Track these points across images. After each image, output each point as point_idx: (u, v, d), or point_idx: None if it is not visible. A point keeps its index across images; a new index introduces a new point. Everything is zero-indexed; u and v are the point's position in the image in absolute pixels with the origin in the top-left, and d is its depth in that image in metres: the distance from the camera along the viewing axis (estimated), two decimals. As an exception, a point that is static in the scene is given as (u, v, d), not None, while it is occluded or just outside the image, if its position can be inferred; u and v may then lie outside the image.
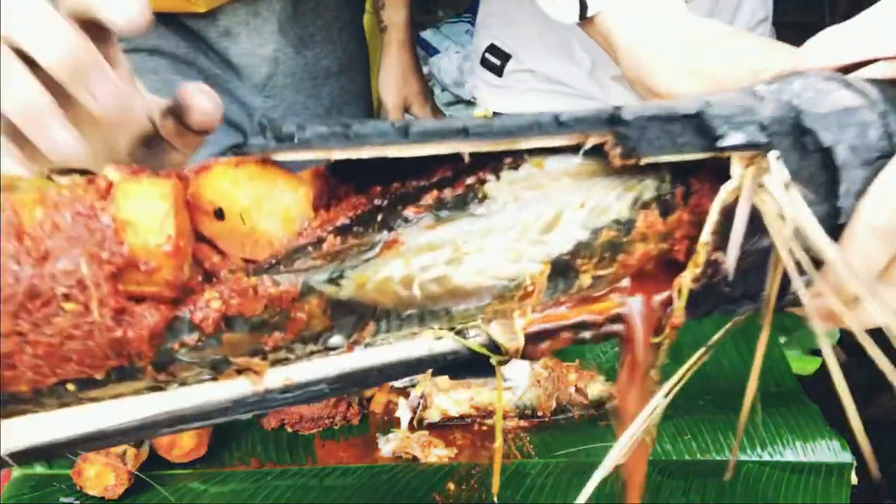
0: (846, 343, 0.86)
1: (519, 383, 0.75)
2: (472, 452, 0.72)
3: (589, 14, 0.64)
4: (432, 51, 2.51)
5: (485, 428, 0.75)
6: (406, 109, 1.22)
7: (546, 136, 0.31)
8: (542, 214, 0.32)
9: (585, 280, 0.33)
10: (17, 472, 0.73)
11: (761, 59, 0.52)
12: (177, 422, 0.29)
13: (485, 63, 1.04)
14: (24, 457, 0.28)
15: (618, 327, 0.34)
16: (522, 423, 0.75)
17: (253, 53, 1.05)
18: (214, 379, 0.29)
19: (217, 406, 0.29)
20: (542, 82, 0.98)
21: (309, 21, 1.09)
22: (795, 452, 0.69)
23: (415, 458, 0.72)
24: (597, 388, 0.76)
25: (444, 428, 0.75)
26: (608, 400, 0.76)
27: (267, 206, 0.29)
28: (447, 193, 0.31)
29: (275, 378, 0.30)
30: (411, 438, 0.73)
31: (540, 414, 0.75)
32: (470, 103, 2.40)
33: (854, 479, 0.66)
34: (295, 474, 0.71)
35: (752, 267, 0.34)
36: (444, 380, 0.75)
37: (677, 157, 0.32)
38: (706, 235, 0.32)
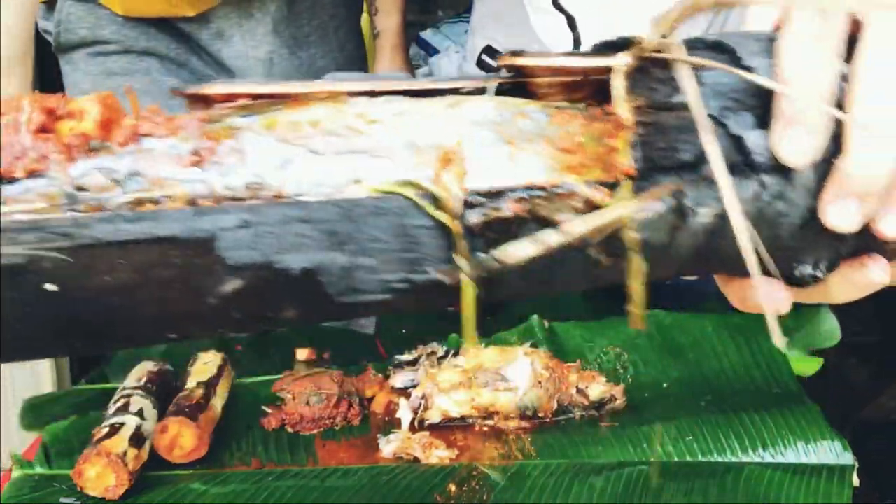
0: (847, 343, 0.86)
1: (520, 384, 0.75)
2: (473, 453, 0.72)
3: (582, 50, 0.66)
4: (432, 51, 2.51)
5: (486, 429, 0.75)
6: None
7: (451, 82, 0.33)
8: (445, 100, 0.33)
9: (513, 153, 0.32)
10: (17, 472, 0.73)
11: None
12: None
13: (481, 65, 1.04)
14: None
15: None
16: (524, 423, 0.75)
17: (246, 56, 1.04)
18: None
19: (112, 217, 0.30)
20: None
21: (304, 21, 1.08)
22: (797, 453, 0.69)
23: (416, 459, 0.72)
24: (598, 389, 0.76)
25: (446, 429, 0.75)
26: (610, 401, 0.76)
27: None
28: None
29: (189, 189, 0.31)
30: (412, 439, 0.73)
31: (541, 415, 0.75)
32: (470, 103, 2.39)
33: (856, 481, 0.66)
34: (296, 475, 0.71)
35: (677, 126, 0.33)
36: (445, 380, 0.75)
37: (562, 61, 0.33)
38: (617, 94, 0.33)
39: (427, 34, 2.54)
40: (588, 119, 0.33)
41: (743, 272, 0.33)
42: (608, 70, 0.33)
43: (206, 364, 0.80)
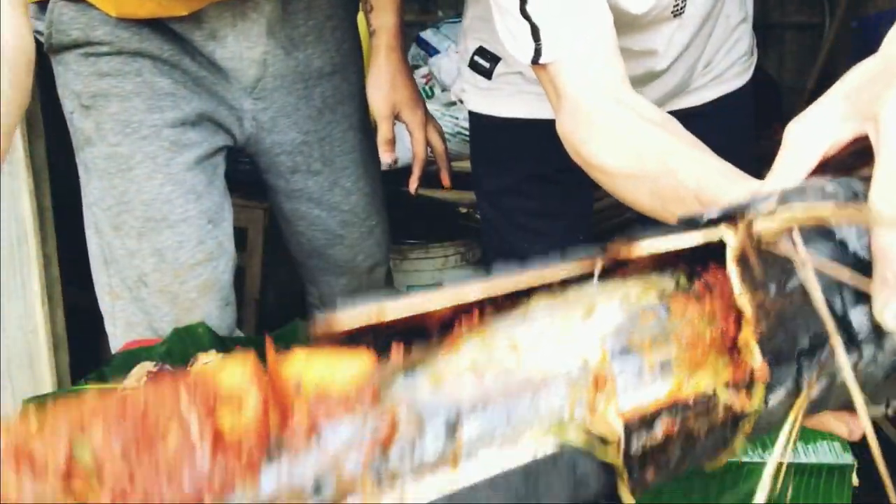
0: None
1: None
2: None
3: (541, 61, 0.68)
4: (432, 51, 2.51)
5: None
6: (396, 116, 1.17)
7: (556, 270, 0.35)
8: (577, 308, 0.35)
9: (651, 363, 0.34)
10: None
11: (675, 158, 0.57)
12: None
13: (474, 66, 1.03)
14: None
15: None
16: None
17: (240, 56, 1.03)
18: None
19: None
20: (530, 84, 0.97)
21: (300, 21, 1.07)
22: (797, 453, 0.68)
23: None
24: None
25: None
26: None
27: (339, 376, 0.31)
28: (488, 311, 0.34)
29: (388, 497, 0.29)
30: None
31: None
32: (470, 103, 2.40)
33: (855, 481, 0.65)
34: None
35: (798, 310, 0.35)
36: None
37: (669, 242, 0.35)
38: (737, 288, 0.34)
39: (427, 34, 2.54)
40: (697, 301, 0.35)
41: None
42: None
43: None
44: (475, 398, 0.31)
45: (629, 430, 0.31)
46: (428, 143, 1.20)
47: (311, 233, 1.18)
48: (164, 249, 1.00)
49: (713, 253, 0.35)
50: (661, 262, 0.37)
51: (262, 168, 1.14)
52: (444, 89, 2.42)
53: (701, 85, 1.00)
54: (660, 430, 0.32)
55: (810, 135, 0.41)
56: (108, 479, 0.27)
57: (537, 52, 0.68)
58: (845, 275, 0.35)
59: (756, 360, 0.33)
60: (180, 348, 0.91)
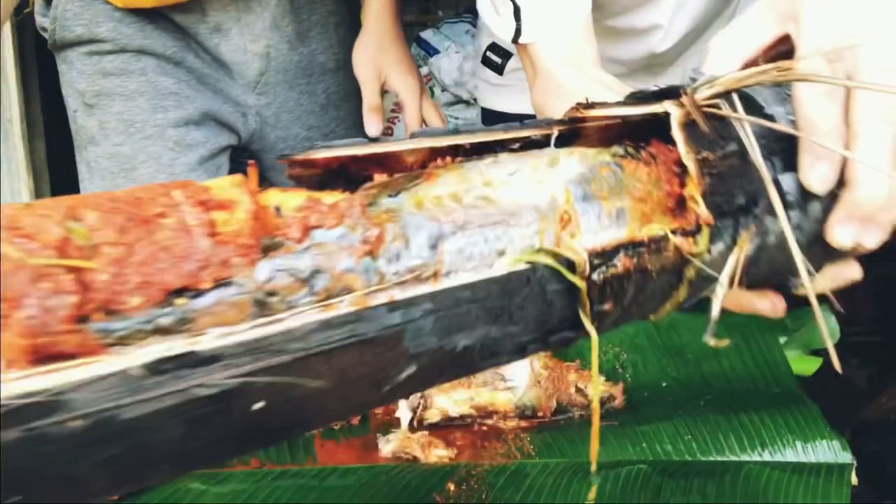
0: (847, 343, 0.86)
1: (519, 383, 0.75)
2: (472, 453, 0.72)
3: (521, 41, 0.72)
4: (432, 51, 2.51)
5: (485, 428, 0.75)
6: (383, 84, 1.05)
7: (518, 130, 0.38)
8: (542, 158, 0.38)
9: (609, 210, 0.37)
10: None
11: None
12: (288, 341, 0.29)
13: (486, 62, 1.05)
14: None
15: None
16: (522, 423, 0.75)
17: (244, 50, 1.04)
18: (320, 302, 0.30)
19: (321, 325, 0.29)
20: None
21: (304, 16, 1.07)
22: (796, 453, 0.69)
23: (415, 459, 0.72)
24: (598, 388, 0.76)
25: (445, 428, 0.75)
26: (608, 400, 0.76)
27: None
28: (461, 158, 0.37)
29: (377, 298, 0.31)
30: (411, 439, 0.73)
31: (540, 414, 0.75)
32: (469, 103, 2.40)
33: (854, 480, 0.66)
34: (295, 475, 0.71)
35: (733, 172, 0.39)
36: (444, 380, 0.75)
37: (620, 110, 0.39)
38: (682, 148, 0.38)
39: (427, 34, 2.54)
40: (645, 165, 0.39)
41: (762, 285, 0.44)
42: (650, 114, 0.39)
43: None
44: (455, 220, 0.34)
45: (592, 258, 0.35)
46: (424, 122, 1.07)
47: None
48: None
49: (655, 134, 0.40)
50: (609, 141, 0.40)
51: (266, 165, 1.15)
52: (444, 89, 2.42)
53: None
54: (619, 262, 0.36)
55: (733, 42, 0.44)
56: (104, 252, 0.27)
57: (517, 32, 0.71)
58: (780, 127, 0.39)
59: (701, 208, 0.38)
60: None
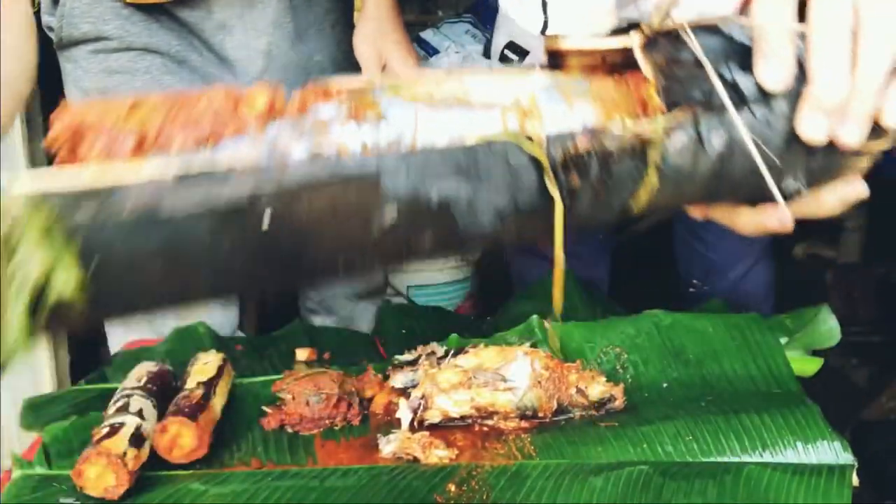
0: (847, 343, 0.86)
1: (520, 384, 0.75)
2: (473, 453, 0.72)
3: (548, 34, 0.77)
4: (432, 51, 2.51)
5: (485, 429, 0.75)
6: (383, 67, 1.07)
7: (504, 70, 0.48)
8: (515, 73, 0.46)
9: (572, 105, 0.43)
10: (17, 472, 0.73)
11: None
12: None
13: (503, 60, 1.06)
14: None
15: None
16: (523, 423, 0.75)
17: (247, 46, 1.05)
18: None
19: (309, 163, 0.38)
20: None
21: (302, 15, 1.09)
22: (796, 453, 0.69)
23: (415, 459, 0.72)
24: (598, 389, 0.76)
25: (445, 429, 0.75)
26: (609, 400, 0.76)
27: None
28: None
29: (357, 149, 0.39)
30: (412, 439, 0.73)
31: (541, 415, 0.75)
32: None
33: (855, 480, 0.66)
34: (295, 475, 0.71)
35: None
36: (445, 380, 0.75)
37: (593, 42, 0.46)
38: (641, 62, 0.44)
39: (427, 34, 2.54)
40: (616, 84, 0.45)
41: (747, 197, 0.45)
42: (622, 51, 0.45)
43: (206, 364, 0.80)
44: (429, 106, 0.42)
45: (551, 138, 0.41)
46: None
47: None
48: None
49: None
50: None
51: None
52: (444, 89, 2.42)
53: None
54: (579, 142, 0.41)
55: None
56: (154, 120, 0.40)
57: (545, 25, 0.76)
58: (729, 22, 0.43)
59: (655, 101, 0.43)
60: (181, 348, 0.91)
